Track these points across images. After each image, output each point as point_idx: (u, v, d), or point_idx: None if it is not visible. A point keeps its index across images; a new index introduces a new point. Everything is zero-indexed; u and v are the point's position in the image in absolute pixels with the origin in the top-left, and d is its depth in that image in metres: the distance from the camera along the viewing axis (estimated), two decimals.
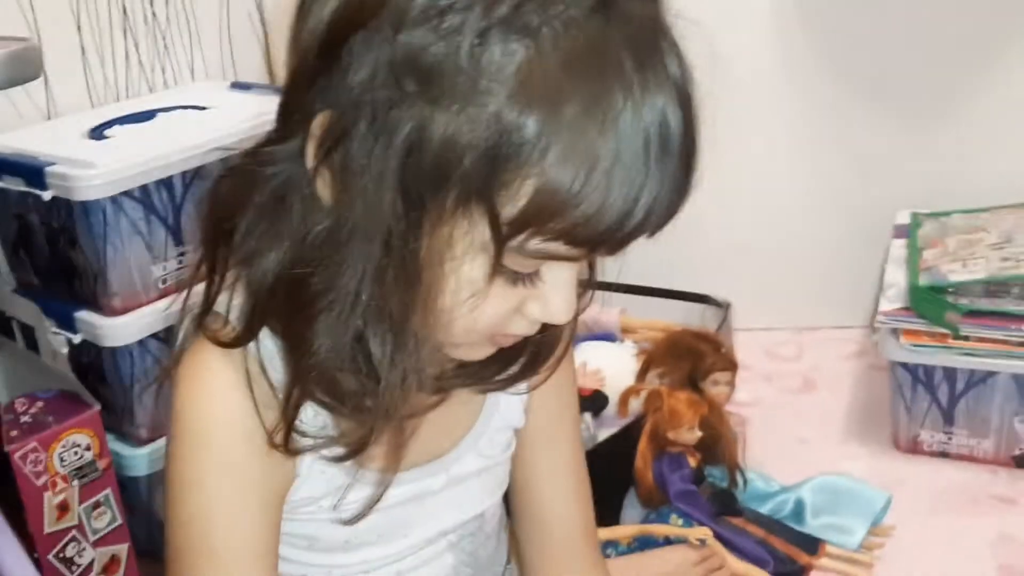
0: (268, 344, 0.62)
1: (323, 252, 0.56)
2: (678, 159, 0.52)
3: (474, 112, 0.49)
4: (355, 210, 0.53)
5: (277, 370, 0.62)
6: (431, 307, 0.55)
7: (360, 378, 0.58)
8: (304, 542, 0.69)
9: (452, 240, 0.53)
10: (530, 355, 0.69)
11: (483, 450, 0.74)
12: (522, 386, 0.73)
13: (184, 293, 0.65)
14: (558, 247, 0.53)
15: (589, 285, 0.66)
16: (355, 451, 0.62)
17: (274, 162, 0.58)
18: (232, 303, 0.62)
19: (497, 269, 0.54)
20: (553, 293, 0.57)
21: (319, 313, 0.56)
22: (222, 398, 0.61)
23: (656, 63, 0.51)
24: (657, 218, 0.53)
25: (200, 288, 0.65)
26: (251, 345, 0.62)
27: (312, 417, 0.62)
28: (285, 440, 0.61)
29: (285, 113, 0.58)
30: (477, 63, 0.49)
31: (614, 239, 0.52)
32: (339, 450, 0.63)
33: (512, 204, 0.51)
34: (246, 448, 0.62)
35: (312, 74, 0.55)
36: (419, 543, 0.73)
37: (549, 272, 0.56)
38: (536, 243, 0.52)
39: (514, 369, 0.69)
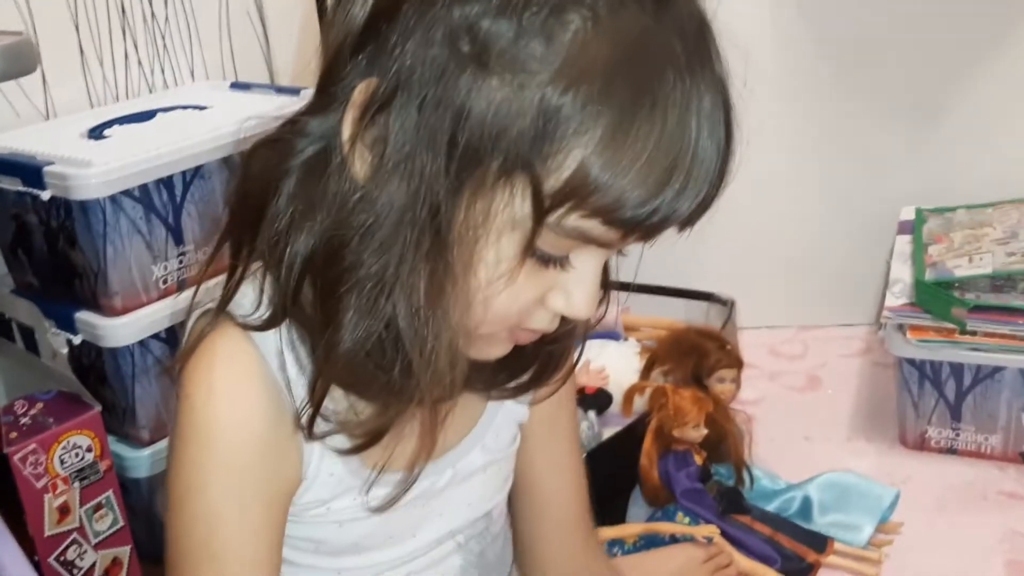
0: (291, 332, 0.61)
1: (356, 224, 0.55)
2: (718, 153, 0.53)
3: (526, 81, 0.50)
4: (394, 179, 0.53)
5: (301, 357, 0.61)
6: (464, 283, 0.55)
7: (389, 359, 0.57)
8: (311, 545, 0.69)
9: (490, 212, 0.53)
10: (540, 365, 0.69)
11: (488, 445, 0.73)
12: (528, 396, 0.73)
13: (195, 287, 0.65)
14: (594, 226, 0.53)
15: (604, 288, 0.66)
16: (368, 442, 0.61)
17: (309, 133, 0.57)
18: (263, 285, 0.61)
19: (531, 247, 0.54)
20: (577, 285, 0.57)
21: (351, 289, 0.55)
22: (230, 399, 0.60)
23: (705, 58, 0.53)
24: (693, 209, 0.53)
25: (206, 285, 0.64)
26: (273, 335, 0.61)
27: (330, 402, 0.61)
28: (311, 423, 0.60)
29: (325, 84, 0.57)
30: (531, 35, 0.50)
31: (649, 223, 0.53)
32: (347, 442, 0.62)
33: (556, 176, 0.51)
34: (253, 450, 0.61)
35: (358, 45, 0.54)
36: (427, 544, 0.72)
37: (578, 260, 0.57)
38: (574, 219, 0.52)
39: (524, 378, 0.69)
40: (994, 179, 1.70)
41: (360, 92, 0.54)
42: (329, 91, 0.56)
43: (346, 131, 0.55)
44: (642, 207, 0.51)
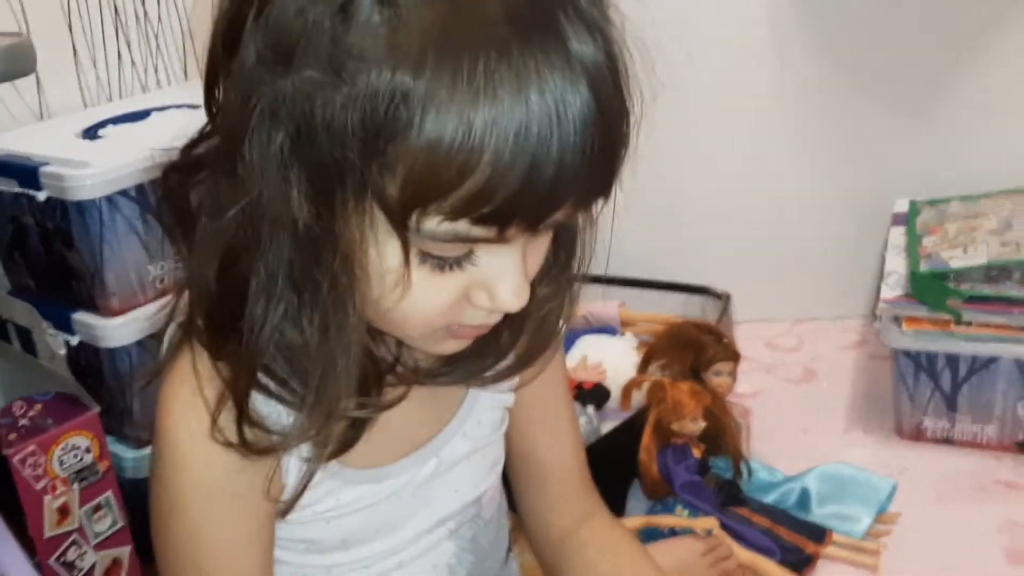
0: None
1: (246, 242, 0.54)
2: (578, 141, 0.48)
3: (345, 91, 0.48)
4: (261, 202, 0.52)
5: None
6: (359, 295, 0.53)
7: (290, 370, 0.57)
8: (302, 545, 0.69)
9: (363, 228, 0.51)
10: (524, 348, 0.67)
11: (470, 432, 0.73)
12: (513, 381, 0.72)
13: (173, 298, 0.63)
14: (463, 226, 0.50)
15: (575, 277, 0.65)
16: (321, 448, 0.60)
17: (202, 159, 0.57)
18: None
19: (411, 254, 0.52)
20: (497, 279, 0.55)
21: (247, 301, 0.55)
22: (200, 417, 0.59)
23: (548, 32, 0.48)
24: (559, 198, 0.50)
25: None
26: None
27: (280, 415, 0.61)
28: (239, 431, 0.59)
29: (207, 107, 0.57)
30: (338, 34, 0.48)
31: (516, 216, 0.50)
32: (310, 450, 0.61)
33: (392, 185, 0.49)
34: (225, 467, 0.60)
35: (220, 66, 0.54)
36: (417, 534, 0.73)
37: (486, 257, 0.54)
38: (435, 224, 0.50)
39: (504, 364, 0.68)
40: (987, 170, 1.70)
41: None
42: (210, 113, 0.57)
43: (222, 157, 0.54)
44: (495, 200, 0.48)
